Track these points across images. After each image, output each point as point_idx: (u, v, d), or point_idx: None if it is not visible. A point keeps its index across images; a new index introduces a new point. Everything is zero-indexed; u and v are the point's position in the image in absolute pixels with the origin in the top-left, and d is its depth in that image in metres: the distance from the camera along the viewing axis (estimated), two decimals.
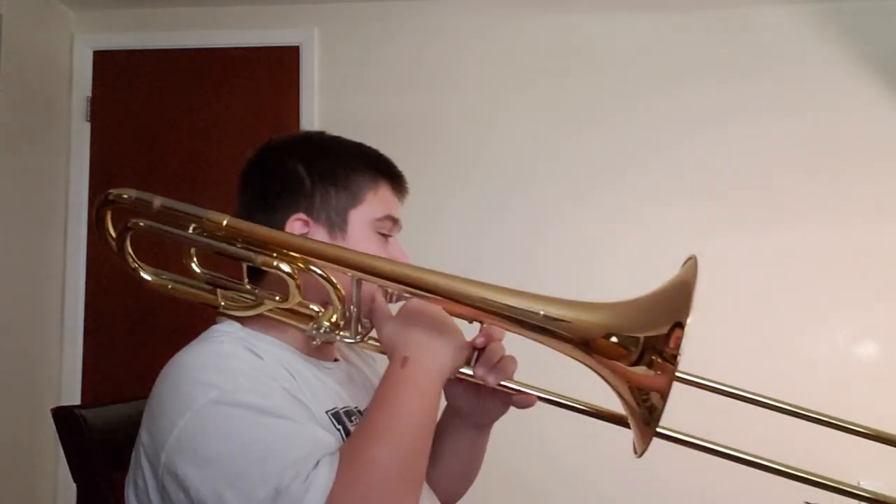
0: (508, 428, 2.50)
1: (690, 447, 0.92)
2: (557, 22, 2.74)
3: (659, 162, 2.63)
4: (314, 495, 0.73)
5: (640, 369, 0.78)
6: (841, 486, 0.90)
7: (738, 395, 1.02)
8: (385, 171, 1.06)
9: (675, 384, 0.81)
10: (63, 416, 0.89)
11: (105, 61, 2.84)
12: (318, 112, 2.76)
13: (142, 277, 0.95)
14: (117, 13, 2.83)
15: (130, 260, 0.95)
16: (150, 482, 0.83)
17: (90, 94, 2.81)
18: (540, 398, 0.95)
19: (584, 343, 0.82)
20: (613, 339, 0.81)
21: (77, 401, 2.64)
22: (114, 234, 0.95)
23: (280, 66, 2.81)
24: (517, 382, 0.96)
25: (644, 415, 0.78)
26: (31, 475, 2.50)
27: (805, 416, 1.01)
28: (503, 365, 0.95)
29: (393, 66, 2.77)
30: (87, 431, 0.88)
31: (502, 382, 0.94)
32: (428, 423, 0.83)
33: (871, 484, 2.40)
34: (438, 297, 0.86)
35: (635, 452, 0.83)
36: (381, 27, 2.78)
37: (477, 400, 1.05)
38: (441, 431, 1.13)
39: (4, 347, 2.39)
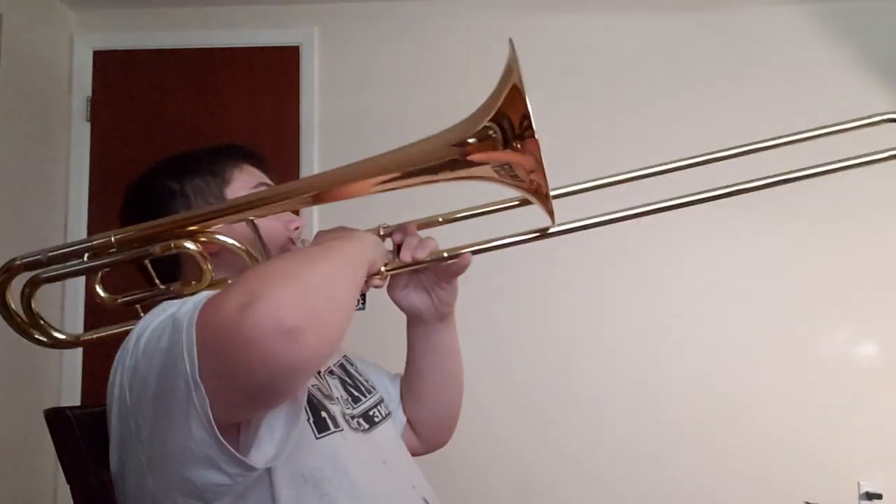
0: (514, 423, 2.52)
1: (591, 227, 1.05)
2: (556, 22, 2.74)
3: (660, 160, 2.62)
4: (189, 306, 0.72)
5: (510, 153, 0.85)
6: None
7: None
8: (243, 153, 1.12)
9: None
10: (55, 418, 0.89)
11: (105, 61, 2.84)
12: (318, 112, 2.75)
13: (56, 339, 0.98)
14: (117, 13, 2.83)
15: (44, 324, 0.97)
16: (135, 460, 0.79)
17: (90, 94, 2.81)
18: (472, 252, 1.02)
19: (455, 160, 0.89)
20: (471, 140, 0.87)
21: (77, 401, 2.64)
22: (18, 309, 0.96)
23: (280, 66, 2.80)
24: (443, 251, 1.02)
25: (535, 186, 0.87)
26: (31, 476, 2.50)
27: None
28: (424, 242, 1.01)
29: (393, 66, 2.77)
30: (79, 432, 0.88)
31: (432, 256, 1.00)
32: (327, 254, 0.82)
33: (871, 484, 2.42)
34: (326, 190, 0.92)
35: (552, 221, 0.93)
36: (381, 27, 2.78)
37: (426, 291, 1.11)
38: (412, 344, 1.19)
39: (4, 348, 2.39)
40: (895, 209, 2.55)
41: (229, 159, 1.09)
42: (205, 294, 0.73)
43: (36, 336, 0.97)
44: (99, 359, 2.69)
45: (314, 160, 2.66)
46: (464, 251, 1.01)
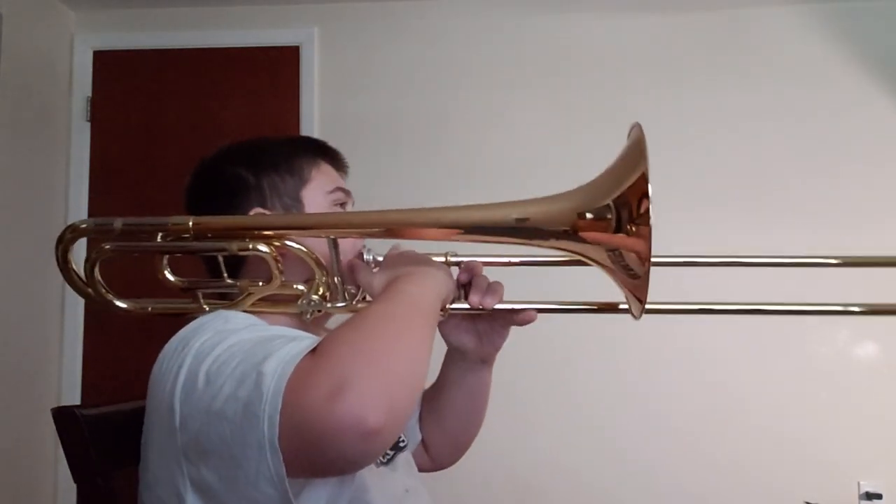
0: (510, 428, 2.51)
1: (683, 313, 1.06)
2: (556, 22, 2.74)
3: (660, 161, 2.62)
4: (295, 351, 0.71)
5: (621, 237, 0.82)
6: None
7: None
8: (321, 150, 1.09)
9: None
10: (62, 417, 0.89)
11: (105, 61, 2.84)
12: (318, 112, 2.76)
13: (118, 307, 0.96)
14: (117, 13, 2.83)
15: (104, 291, 0.95)
16: (175, 467, 0.78)
17: (90, 94, 2.81)
18: (539, 310, 1.00)
19: (565, 232, 0.85)
20: (588, 216, 0.84)
21: (77, 401, 2.64)
22: (80, 272, 0.94)
23: (280, 66, 2.81)
24: (510, 302, 0.99)
25: (635, 278, 0.83)
26: (31, 475, 2.50)
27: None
28: (494, 287, 0.98)
29: (393, 66, 2.77)
30: (87, 431, 0.88)
31: (498, 305, 0.97)
32: (409, 320, 0.79)
33: (871, 484, 2.42)
34: (414, 230, 0.89)
35: (633, 316, 0.90)
36: (381, 27, 2.79)
37: (477, 333, 1.09)
38: (447, 376, 1.16)
39: (4, 347, 2.39)
40: (895, 208, 2.56)
41: (306, 156, 1.05)
42: (290, 352, 0.71)
43: (93, 297, 0.96)
44: (99, 359, 2.70)
45: None
46: (531, 307, 0.99)
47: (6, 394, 2.38)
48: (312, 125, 2.73)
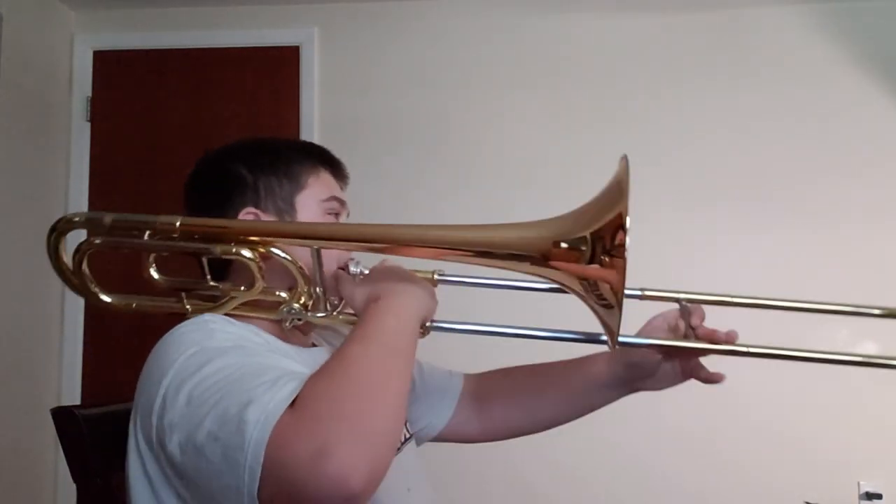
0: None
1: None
2: (557, 22, 2.74)
3: (661, 162, 2.63)
4: (277, 400, 0.71)
5: (594, 267, 0.84)
6: None
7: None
8: (323, 158, 1.09)
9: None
10: (62, 417, 0.89)
11: (105, 61, 2.84)
12: (317, 112, 2.76)
13: (101, 301, 0.96)
14: (117, 13, 2.83)
15: (89, 283, 0.96)
16: (151, 465, 0.82)
17: (90, 94, 2.81)
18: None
19: (541, 256, 0.87)
20: (564, 244, 0.86)
21: (77, 401, 2.64)
22: (69, 264, 0.96)
23: (280, 66, 2.81)
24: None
25: (607, 308, 0.84)
26: (31, 475, 2.50)
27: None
28: (731, 334, 1.06)
29: (393, 66, 2.77)
30: (87, 431, 0.88)
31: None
32: (390, 365, 0.79)
33: (871, 484, 2.42)
34: (398, 246, 0.90)
35: (611, 346, 0.91)
36: (381, 27, 2.78)
37: (668, 362, 1.15)
38: (587, 390, 1.29)
39: (4, 347, 2.39)
40: (894, 208, 2.55)
41: (307, 162, 1.06)
42: (273, 399, 0.71)
43: (79, 288, 0.97)
44: (99, 359, 2.69)
45: None
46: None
47: (6, 394, 2.38)
48: (312, 125, 2.73)
